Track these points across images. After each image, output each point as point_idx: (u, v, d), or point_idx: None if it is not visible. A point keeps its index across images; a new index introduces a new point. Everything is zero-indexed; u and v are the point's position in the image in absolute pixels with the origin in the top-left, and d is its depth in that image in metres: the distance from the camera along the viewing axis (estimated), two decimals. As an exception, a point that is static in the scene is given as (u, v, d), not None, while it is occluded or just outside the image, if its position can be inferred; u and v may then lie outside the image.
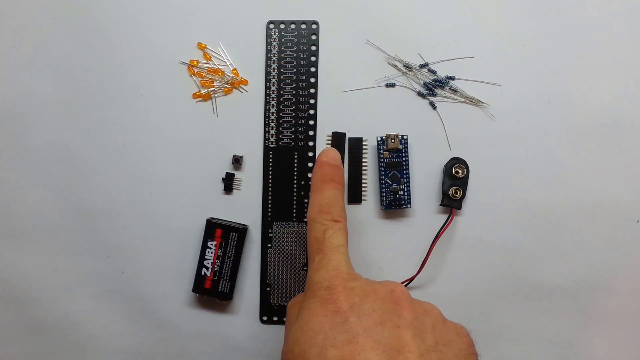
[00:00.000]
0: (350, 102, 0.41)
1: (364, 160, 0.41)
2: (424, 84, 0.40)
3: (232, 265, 0.40)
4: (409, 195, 0.40)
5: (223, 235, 0.40)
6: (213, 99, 0.41)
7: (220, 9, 0.41)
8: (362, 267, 0.41)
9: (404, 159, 0.40)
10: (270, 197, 0.41)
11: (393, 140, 0.40)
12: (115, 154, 0.41)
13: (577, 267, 0.40)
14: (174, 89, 0.41)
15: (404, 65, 0.40)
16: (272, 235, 0.41)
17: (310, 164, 0.41)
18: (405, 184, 0.40)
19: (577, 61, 0.40)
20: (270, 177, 0.41)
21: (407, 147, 0.40)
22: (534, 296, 0.40)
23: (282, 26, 0.41)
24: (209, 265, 0.40)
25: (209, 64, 0.41)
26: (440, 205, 0.40)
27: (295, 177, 0.41)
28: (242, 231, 0.40)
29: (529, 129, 0.40)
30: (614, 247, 0.40)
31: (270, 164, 0.41)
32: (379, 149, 0.40)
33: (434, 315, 0.28)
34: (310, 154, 0.41)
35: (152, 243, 0.41)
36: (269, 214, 0.41)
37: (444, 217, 0.40)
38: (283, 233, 0.41)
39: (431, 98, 0.40)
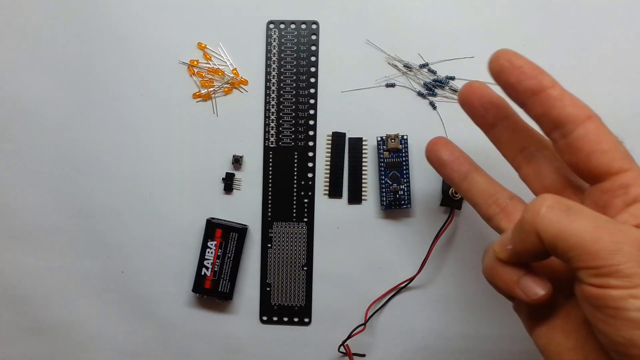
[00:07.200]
0: (350, 102, 0.41)
1: (364, 160, 0.41)
2: (424, 84, 0.40)
3: (232, 265, 0.40)
4: (409, 195, 0.40)
5: (223, 235, 0.40)
6: (213, 99, 0.41)
7: (220, 9, 0.41)
8: (362, 267, 0.41)
9: (404, 159, 0.40)
10: (270, 197, 0.41)
11: (393, 140, 0.40)
12: (115, 154, 0.41)
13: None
14: (174, 89, 0.41)
15: (404, 65, 0.40)
16: (272, 235, 0.41)
17: (310, 164, 0.41)
18: (405, 184, 0.40)
19: (577, 61, 0.40)
20: (270, 177, 0.41)
21: (407, 147, 0.40)
22: (534, 296, 0.40)
23: (282, 26, 0.41)
24: (209, 265, 0.40)
25: (209, 64, 0.41)
26: (440, 205, 0.40)
27: (295, 177, 0.41)
28: (242, 231, 0.40)
29: (529, 129, 0.40)
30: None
31: (270, 164, 0.41)
32: (379, 149, 0.40)
33: None
34: (310, 154, 0.41)
35: (152, 243, 0.41)
36: (269, 214, 0.41)
37: (444, 217, 0.40)
38: (283, 233, 0.41)
39: (431, 98, 0.40)
